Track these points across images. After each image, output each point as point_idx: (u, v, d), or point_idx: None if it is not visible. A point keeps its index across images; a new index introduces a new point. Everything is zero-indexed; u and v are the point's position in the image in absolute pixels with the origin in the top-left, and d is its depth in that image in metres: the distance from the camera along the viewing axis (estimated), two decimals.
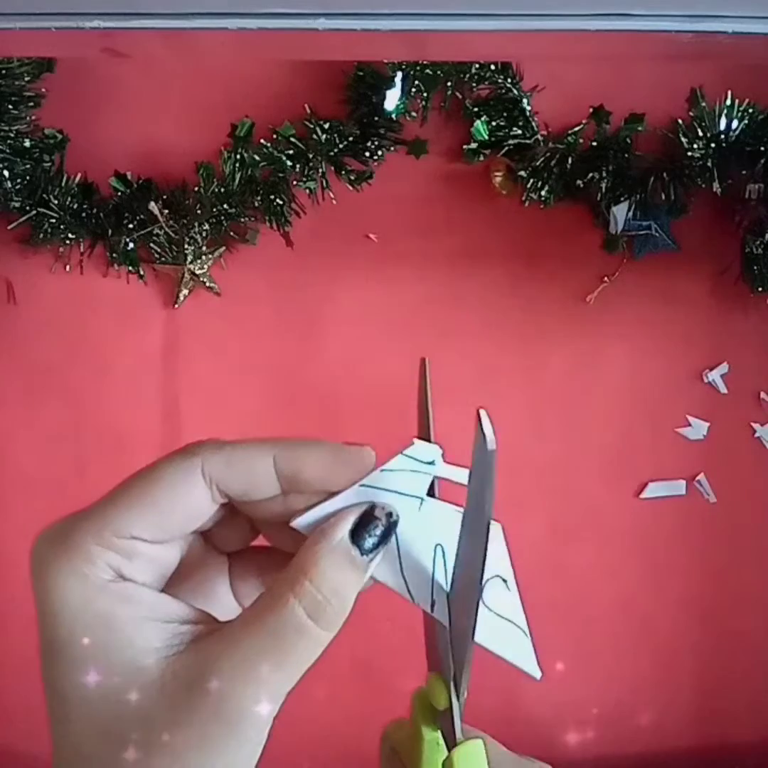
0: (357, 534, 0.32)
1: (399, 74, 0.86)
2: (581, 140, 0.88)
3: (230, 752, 0.29)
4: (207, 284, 0.92)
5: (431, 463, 0.35)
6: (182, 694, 0.29)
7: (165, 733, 0.29)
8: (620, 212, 0.88)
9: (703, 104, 0.85)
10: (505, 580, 0.34)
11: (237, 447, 0.33)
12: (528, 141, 0.88)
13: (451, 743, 0.34)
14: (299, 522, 0.33)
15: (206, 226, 0.89)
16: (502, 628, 0.33)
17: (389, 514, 0.33)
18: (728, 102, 0.84)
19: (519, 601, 0.34)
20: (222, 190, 0.88)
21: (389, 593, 0.36)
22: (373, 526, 0.33)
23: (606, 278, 0.93)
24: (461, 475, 0.35)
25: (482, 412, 0.29)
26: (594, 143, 0.88)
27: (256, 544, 0.37)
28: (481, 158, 0.90)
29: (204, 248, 0.90)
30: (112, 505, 0.32)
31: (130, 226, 0.89)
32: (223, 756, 0.29)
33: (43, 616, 0.31)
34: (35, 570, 0.31)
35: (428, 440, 0.37)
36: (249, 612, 0.31)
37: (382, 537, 0.33)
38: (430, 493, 0.36)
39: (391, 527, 0.33)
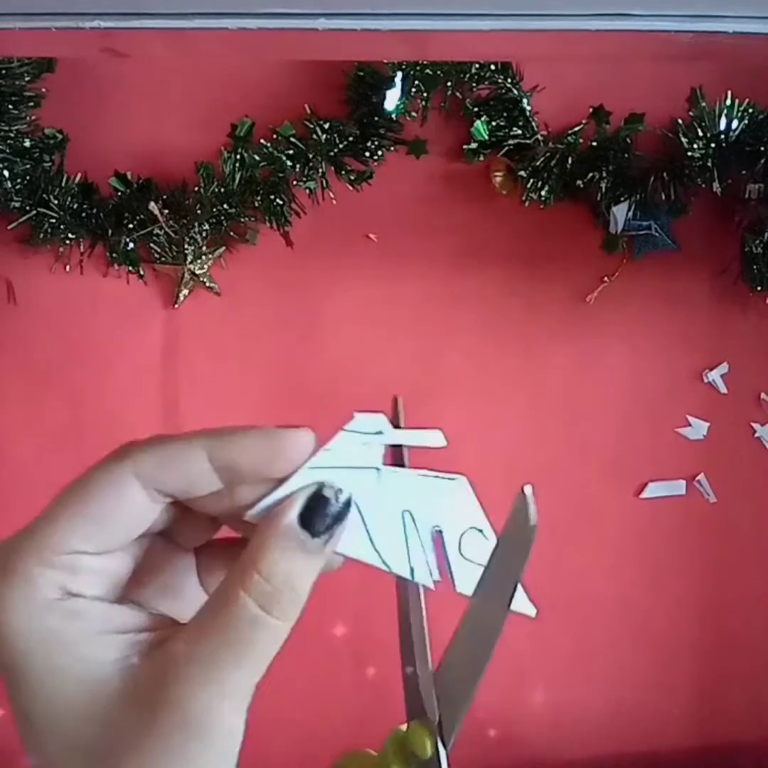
0: (307, 517, 0.31)
1: (399, 74, 0.86)
2: (581, 140, 0.88)
3: (200, 758, 0.29)
4: (207, 284, 0.92)
5: (379, 432, 0.34)
6: (144, 703, 0.29)
7: (132, 744, 0.28)
8: (620, 212, 0.88)
9: (703, 104, 0.85)
10: (481, 530, 0.34)
11: (167, 444, 0.32)
12: (528, 141, 0.88)
13: None
14: (252, 514, 0.32)
15: (206, 226, 0.89)
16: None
17: (339, 492, 0.32)
18: (728, 102, 0.84)
19: (484, 515, 0.34)
20: (222, 190, 0.88)
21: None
22: (323, 507, 0.31)
23: (606, 278, 0.93)
24: (416, 438, 0.35)
25: (527, 489, 0.29)
26: (594, 143, 0.88)
27: (222, 536, 0.36)
28: (481, 158, 0.90)
29: (204, 248, 0.90)
30: (48, 521, 0.31)
31: (130, 226, 0.89)
32: (193, 762, 0.28)
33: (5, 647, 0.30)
34: None
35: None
36: (202, 611, 0.31)
37: (335, 517, 0.32)
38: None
39: (344, 506, 0.32)
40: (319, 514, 0.31)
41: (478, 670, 0.30)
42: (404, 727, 0.36)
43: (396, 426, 0.35)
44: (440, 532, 0.34)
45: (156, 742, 0.28)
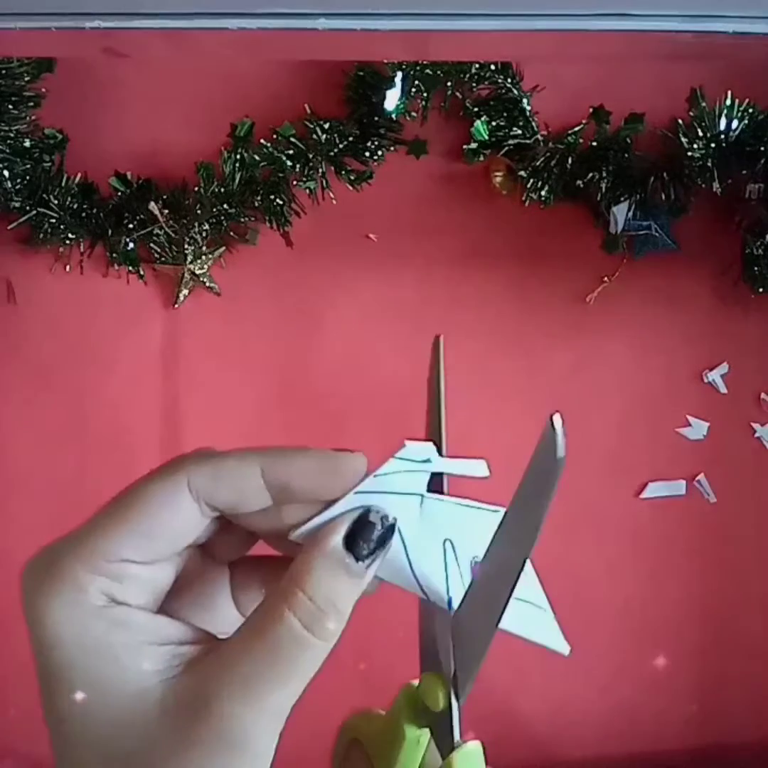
0: (352, 541, 0.31)
1: (399, 74, 0.86)
2: (581, 140, 0.88)
3: None
4: (207, 284, 0.92)
5: (427, 461, 0.34)
6: (184, 716, 0.29)
7: (169, 757, 0.28)
8: (620, 212, 0.88)
9: (703, 104, 0.85)
10: None
11: (223, 459, 0.32)
12: (528, 141, 0.88)
13: (446, 745, 0.34)
14: (298, 533, 0.32)
15: (206, 226, 0.89)
16: (524, 610, 0.32)
17: (384, 518, 0.32)
18: (728, 102, 0.84)
19: (537, 579, 0.34)
20: (222, 190, 0.88)
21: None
22: (368, 532, 0.32)
23: (606, 278, 0.93)
24: (461, 467, 0.35)
25: (556, 418, 0.29)
26: (594, 143, 0.88)
27: (257, 552, 0.36)
28: (481, 158, 0.90)
29: (204, 248, 0.90)
30: (99, 528, 0.31)
31: (130, 226, 0.89)
32: None
33: (38, 646, 0.30)
34: (26, 600, 0.31)
35: (439, 426, 0.37)
36: (245, 627, 0.31)
37: (378, 542, 0.32)
38: (439, 490, 0.35)
39: (388, 531, 0.32)
40: (364, 537, 0.32)
41: (495, 617, 0.30)
42: (415, 682, 0.36)
43: (436, 368, 0.34)
44: (479, 562, 0.33)
45: (194, 757, 0.28)
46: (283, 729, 0.29)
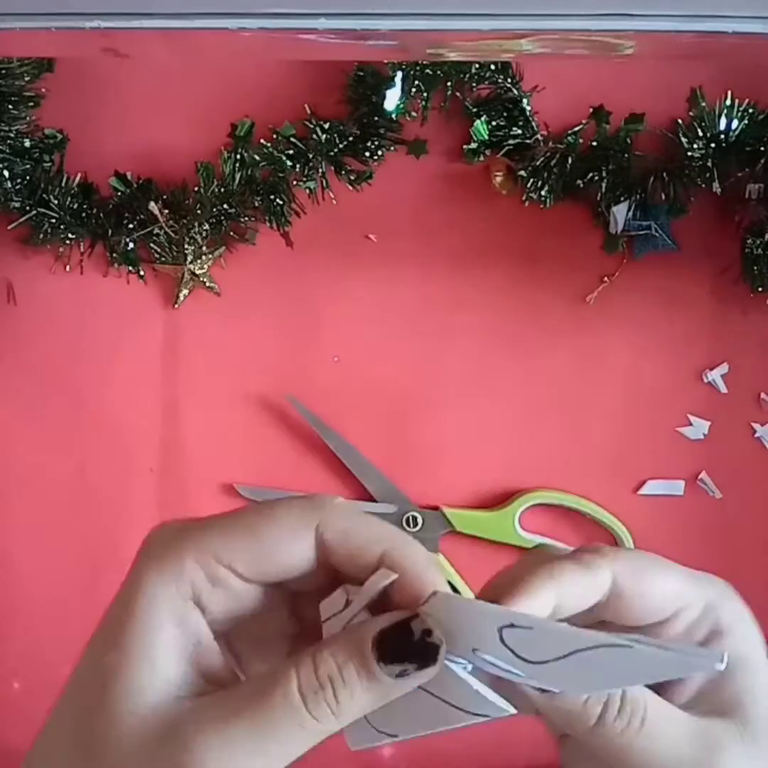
0: (383, 642, 0.29)
1: (399, 74, 0.86)
2: (581, 140, 0.88)
3: None
4: (207, 284, 0.92)
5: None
6: (158, 749, 0.28)
7: None
8: (620, 212, 0.88)
9: (703, 104, 0.85)
10: (512, 624, 0.30)
11: (360, 523, 0.32)
12: (528, 141, 0.88)
13: None
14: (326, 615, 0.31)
15: (206, 226, 0.89)
16: (580, 664, 0.28)
17: (426, 632, 0.28)
18: (728, 102, 0.84)
19: (566, 626, 0.30)
20: (222, 190, 0.88)
21: None
22: (402, 639, 0.28)
23: (606, 278, 0.93)
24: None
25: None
26: (594, 143, 0.88)
27: None
28: (481, 158, 0.90)
29: (204, 248, 0.90)
30: (223, 527, 0.31)
31: (130, 226, 0.89)
32: None
33: (118, 596, 0.31)
34: (141, 558, 0.31)
35: None
36: (248, 685, 0.30)
37: (413, 656, 0.28)
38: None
39: (428, 652, 0.28)
40: (396, 644, 0.29)
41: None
42: None
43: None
44: (477, 650, 0.29)
45: None
46: None
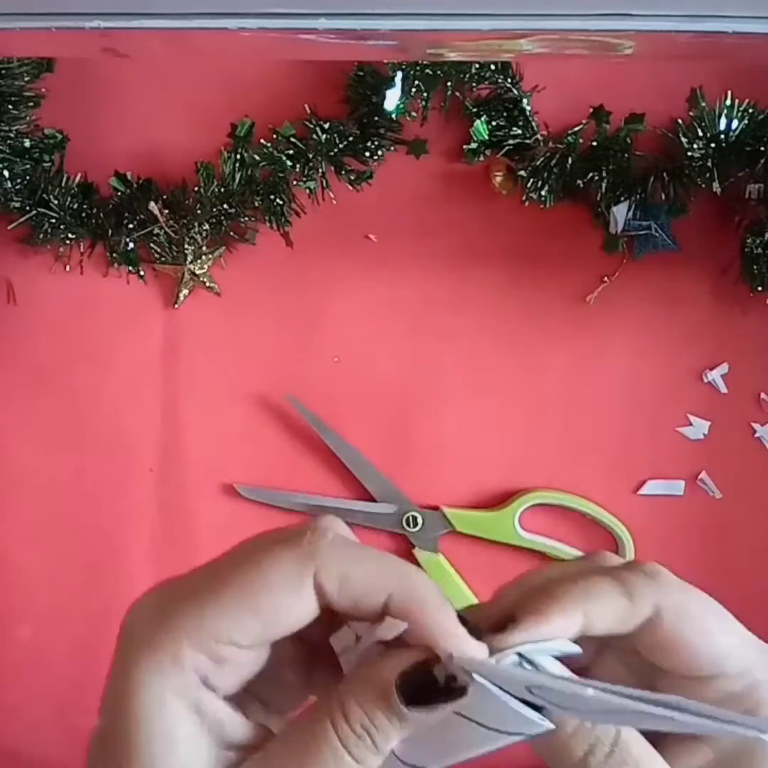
0: (407, 688, 0.28)
1: (399, 74, 0.86)
2: (581, 140, 0.88)
3: None
4: (207, 284, 0.92)
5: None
6: None
7: None
8: (620, 212, 0.88)
9: (703, 104, 0.85)
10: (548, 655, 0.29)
11: (359, 564, 0.30)
12: (528, 141, 0.88)
13: None
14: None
15: (206, 226, 0.89)
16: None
17: (451, 679, 0.27)
18: (728, 102, 0.84)
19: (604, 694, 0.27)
20: (222, 190, 0.88)
21: None
22: (426, 683, 0.28)
23: (606, 278, 0.93)
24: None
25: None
26: (594, 143, 0.88)
27: None
28: (481, 158, 0.90)
29: (204, 248, 0.90)
30: (212, 602, 0.29)
31: (130, 226, 0.90)
32: None
33: (116, 704, 0.28)
34: (123, 645, 0.29)
35: None
36: (283, 739, 0.29)
37: (439, 700, 0.27)
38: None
39: (454, 691, 0.27)
40: (421, 684, 0.28)
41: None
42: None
43: None
44: (523, 657, 0.29)
45: None
46: None
